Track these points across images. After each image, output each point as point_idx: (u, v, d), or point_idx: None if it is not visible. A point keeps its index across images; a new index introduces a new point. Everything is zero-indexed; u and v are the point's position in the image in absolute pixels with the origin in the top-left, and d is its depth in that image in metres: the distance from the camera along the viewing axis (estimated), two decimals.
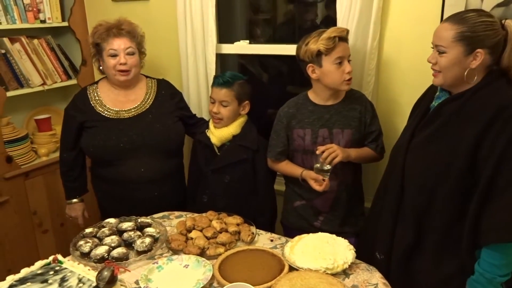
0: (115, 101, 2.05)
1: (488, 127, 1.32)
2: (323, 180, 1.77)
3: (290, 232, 1.94)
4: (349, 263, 1.45)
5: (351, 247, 1.52)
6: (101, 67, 2.07)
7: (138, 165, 1.99)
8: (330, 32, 1.74)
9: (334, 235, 1.60)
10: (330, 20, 2.04)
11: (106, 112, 2.02)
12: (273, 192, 2.09)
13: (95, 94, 2.06)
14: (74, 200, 2.19)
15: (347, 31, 1.80)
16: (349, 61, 1.79)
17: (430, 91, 1.59)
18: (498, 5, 1.72)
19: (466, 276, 1.42)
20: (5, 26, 2.40)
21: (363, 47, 1.94)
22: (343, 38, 1.77)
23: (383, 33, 1.96)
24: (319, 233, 1.62)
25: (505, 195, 1.30)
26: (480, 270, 1.36)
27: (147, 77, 2.17)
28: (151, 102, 2.07)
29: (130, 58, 1.99)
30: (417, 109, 1.61)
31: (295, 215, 1.98)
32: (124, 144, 1.96)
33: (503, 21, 1.39)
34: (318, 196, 1.89)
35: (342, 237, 1.61)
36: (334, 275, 1.41)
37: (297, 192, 1.96)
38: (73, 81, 2.72)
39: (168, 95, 2.13)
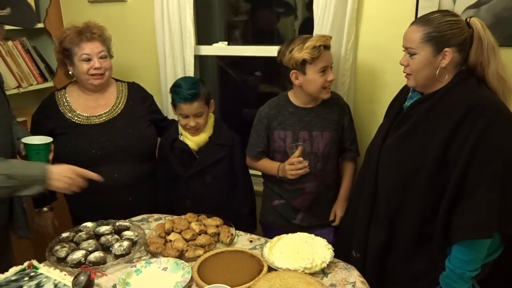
0: (85, 106, 2.01)
1: (457, 127, 1.36)
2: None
3: (270, 231, 1.96)
4: (327, 262, 1.46)
5: (330, 246, 1.54)
6: (70, 72, 2.02)
7: (112, 170, 1.95)
8: (315, 40, 1.74)
9: (312, 235, 1.61)
10: (310, 21, 2.05)
11: (76, 118, 1.98)
12: (251, 183, 2.12)
13: (64, 100, 2.02)
14: (45, 208, 2.09)
15: (331, 38, 1.81)
16: (331, 68, 1.80)
17: (404, 91, 1.63)
18: (470, 7, 1.77)
19: (437, 272, 1.45)
20: None
21: (338, 48, 1.97)
22: (327, 46, 1.77)
23: (358, 34, 1.99)
24: (298, 233, 1.63)
25: (473, 194, 1.34)
26: (451, 266, 1.40)
27: (117, 80, 2.14)
28: (122, 107, 2.05)
29: (103, 62, 1.97)
30: (391, 109, 1.64)
31: (275, 214, 1.99)
32: (96, 150, 1.93)
33: (468, 19, 1.43)
34: (297, 196, 1.91)
35: (324, 229, 1.62)
36: (313, 274, 1.42)
37: (276, 191, 1.97)
38: (49, 84, 2.68)
39: (139, 99, 2.11)
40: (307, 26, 2.11)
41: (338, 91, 2.01)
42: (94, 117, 2.00)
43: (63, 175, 1.54)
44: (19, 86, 2.52)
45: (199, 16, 2.43)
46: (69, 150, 1.93)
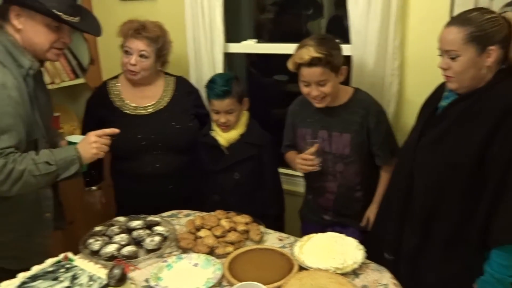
0: (133, 96, 2.09)
1: (496, 127, 1.32)
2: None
3: (307, 227, 1.96)
4: (359, 263, 1.45)
5: (361, 246, 1.52)
6: None
7: (154, 160, 2.04)
8: (295, 57, 1.72)
9: (343, 235, 1.60)
10: (338, 19, 2.03)
11: (124, 107, 2.07)
12: (280, 185, 2.10)
13: (115, 89, 2.11)
14: (93, 188, 2.27)
15: (319, 58, 1.65)
16: (321, 85, 1.70)
17: (439, 91, 1.59)
18: (507, 5, 1.72)
19: (473, 276, 1.41)
20: None
21: (384, 47, 1.90)
22: (312, 63, 1.66)
23: (405, 32, 1.91)
24: (328, 232, 1.62)
25: None
26: (490, 270, 1.37)
27: (166, 73, 2.20)
28: (168, 100, 2.11)
29: (141, 61, 2.01)
30: (425, 109, 1.60)
31: (308, 207, 2.03)
32: (141, 141, 2.01)
33: (503, 15, 1.39)
34: (321, 194, 1.93)
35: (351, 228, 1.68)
36: (344, 275, 1.41)
37: (307, 186, 2.02)
38: (80, 80, 2.74)
39: (185, 93, 2.17)
40: (335, 24, 2.09)
41: (385, 92, 1.93)
42: (141, 108, 2.08)
43: (88, 144, 1.59)
44: (52, 82, 2.58)
45: (228, 14, 2.44)
46: (115, 138, 1.97)
